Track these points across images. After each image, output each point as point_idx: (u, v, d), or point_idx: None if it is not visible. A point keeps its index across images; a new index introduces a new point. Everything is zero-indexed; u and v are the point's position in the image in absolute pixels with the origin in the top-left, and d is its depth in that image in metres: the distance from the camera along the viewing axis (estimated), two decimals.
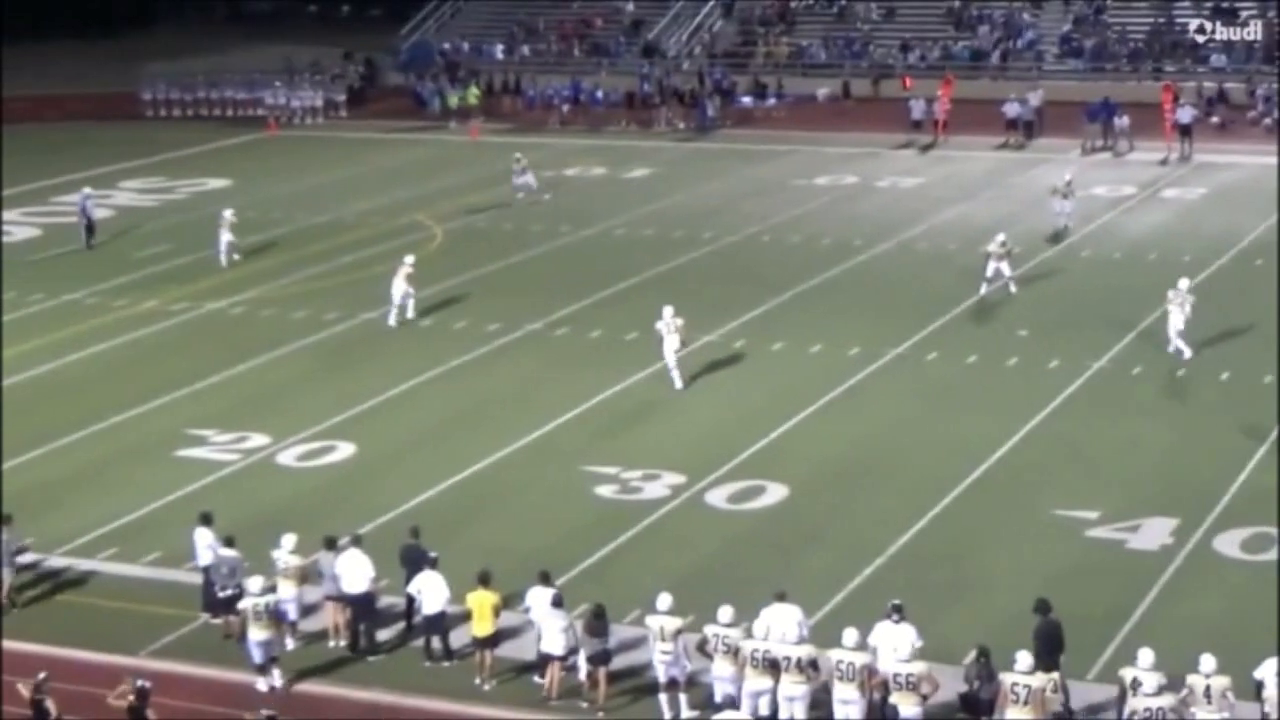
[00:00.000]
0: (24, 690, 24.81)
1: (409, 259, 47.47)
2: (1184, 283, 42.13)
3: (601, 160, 71.16)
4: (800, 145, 73.09)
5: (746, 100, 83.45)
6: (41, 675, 25.03)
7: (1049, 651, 25.29)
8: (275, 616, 27.54)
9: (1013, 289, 47.42)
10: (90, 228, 57.15)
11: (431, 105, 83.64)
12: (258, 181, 66.86)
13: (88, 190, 58.96)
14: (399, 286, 46.61)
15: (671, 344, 40.74)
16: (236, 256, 53.96)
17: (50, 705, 24.65)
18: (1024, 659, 24.06)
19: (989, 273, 47.43)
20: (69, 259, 55.98)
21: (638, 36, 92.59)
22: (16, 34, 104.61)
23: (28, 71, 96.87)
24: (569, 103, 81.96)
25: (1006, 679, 23.97)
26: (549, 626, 26.64)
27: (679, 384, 40.77)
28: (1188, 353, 41.21)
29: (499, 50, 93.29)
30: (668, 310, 41.00)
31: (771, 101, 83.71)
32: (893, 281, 50.21)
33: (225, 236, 54.03)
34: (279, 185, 64.20)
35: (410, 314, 46.77)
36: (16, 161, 73.43)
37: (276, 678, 27.42)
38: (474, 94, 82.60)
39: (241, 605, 27.61)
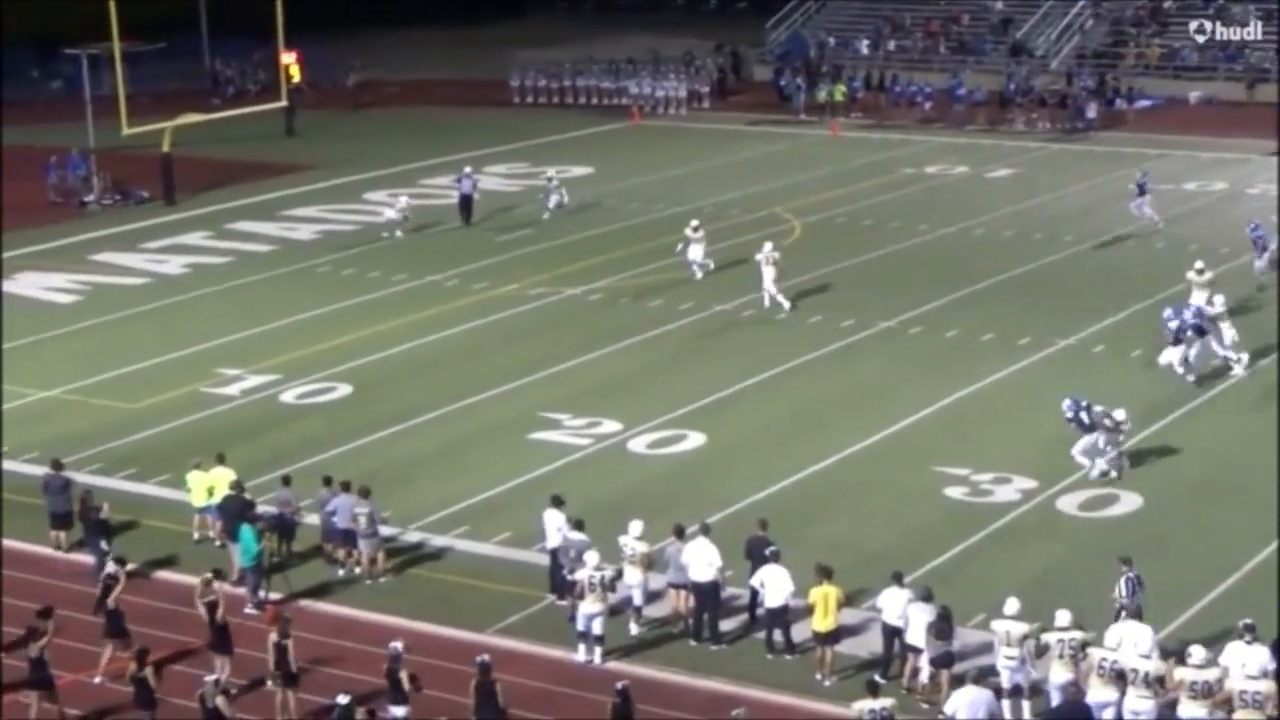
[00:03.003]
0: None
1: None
2: None
3: (964, 159, 70.45)
4: (1169, 149, 71.44)
5: (1118, 102, 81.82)
6: (397, 646, 25.57)
7: None
8: (609, 590, 27.92)
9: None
10: (467, 206, 58.54)
11: (795, 100, 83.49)
12: (619, 170, 67.53)
13: (468, 169, 60.52)
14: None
15: (769, 274, 47.03)
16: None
17: (404, 676, 25.19)
18: None
19: (1191, 298, 44.14)
20: (434, 241, 57.28)
21: (1005, 35, 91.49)
22: (393, 22, 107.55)
23: (402, 58, 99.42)
24: (932, 100, 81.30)
25: None
26: (915, 620, 26.55)
27: (786, 306, 46.85)
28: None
29: (864, 45, 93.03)
30: (767, 245, 47.94)
31: (1142, 104, 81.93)
32: (1255, 291, 48.69)
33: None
34: (640, 174, 64.79)
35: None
36: (387, 143, 75.64)
37: (597, 654, 27.84)
38: (840, 90, 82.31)
39: (578, 576, 28.01)
